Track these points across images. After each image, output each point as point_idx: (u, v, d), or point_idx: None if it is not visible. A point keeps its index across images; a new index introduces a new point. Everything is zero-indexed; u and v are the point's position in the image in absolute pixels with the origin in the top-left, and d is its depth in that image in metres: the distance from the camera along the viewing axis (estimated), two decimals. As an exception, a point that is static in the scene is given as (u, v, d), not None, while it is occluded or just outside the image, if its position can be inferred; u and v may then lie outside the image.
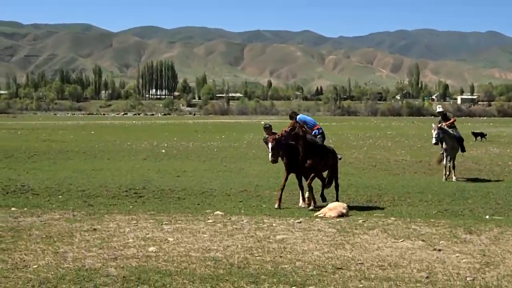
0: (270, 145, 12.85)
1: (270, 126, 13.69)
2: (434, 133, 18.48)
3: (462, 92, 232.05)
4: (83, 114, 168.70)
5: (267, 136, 13.43)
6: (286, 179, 13.12)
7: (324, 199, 13.04)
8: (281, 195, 12.88)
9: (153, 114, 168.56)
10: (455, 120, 19.77)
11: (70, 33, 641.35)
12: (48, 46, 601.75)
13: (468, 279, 6.68)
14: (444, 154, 18.71)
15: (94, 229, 9.35)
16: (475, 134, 39.93)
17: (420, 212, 12.18)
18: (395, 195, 14.69)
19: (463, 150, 19.51)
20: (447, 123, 19.22)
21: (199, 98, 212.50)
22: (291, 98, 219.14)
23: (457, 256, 7.70)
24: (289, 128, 12.73)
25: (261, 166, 21.24)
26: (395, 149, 31.04)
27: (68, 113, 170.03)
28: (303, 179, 13.13)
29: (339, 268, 7.07)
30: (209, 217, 10.76)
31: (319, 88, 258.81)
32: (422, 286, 6.43)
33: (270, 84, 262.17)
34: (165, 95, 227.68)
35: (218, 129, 61.15)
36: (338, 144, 31.46)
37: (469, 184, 17.17)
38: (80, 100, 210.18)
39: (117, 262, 7.26)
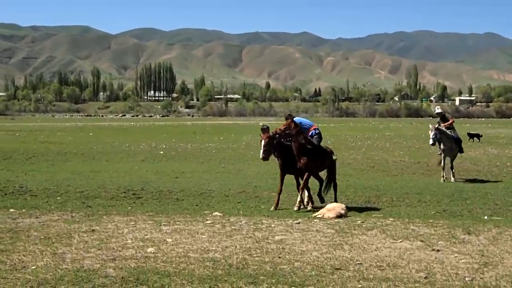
0: (263, 142, 12.84)
1: (268, 127, 13.63)
2: (431, 134, 18.51)
3: (460, 94, 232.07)
4: (81, 115, 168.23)
5: None
6: (282, 181, 13.01)
7: (322, 200, 13.02)
8: (278, 199, 12.78)
9: (151, 116, 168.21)
10: (453, 121, 19.83)
11: (68, 35, 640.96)
12: (46, 48, 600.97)
13: (466, 279, 6.69)
14: (442, 155, 18.74)
15: (93, 230, 9.34)
16: (470, 135, 40.04)
17: (419, 212, 12.18)
18: (393, 196, 14.69)
19: (461, 151, 19.56)
20: (446, 124, 19.27)
21: (198, 100, 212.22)
22: (290, 100, 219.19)
23: (455, 257, 7.71)
24: (284, 128, 12.73)
25: (260, 167, 21.23)
26: (394, 150, 31.06)
27: (66, 115, 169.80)
28: (300, 179, 13.10)
29: (338, 269, 7.08)
30: (207, 218, 10.76)
31: (317, 89, 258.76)
32: (421, 287, 6.43)
33: (268, 85, 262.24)
34: (163, 96, 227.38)
35: (216, 130, 61.14)
36: (337, 145, 31.48)
37: (468, 185, 17.19)
38: (78, 102, 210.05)
39: (115, 263, 7.26)
